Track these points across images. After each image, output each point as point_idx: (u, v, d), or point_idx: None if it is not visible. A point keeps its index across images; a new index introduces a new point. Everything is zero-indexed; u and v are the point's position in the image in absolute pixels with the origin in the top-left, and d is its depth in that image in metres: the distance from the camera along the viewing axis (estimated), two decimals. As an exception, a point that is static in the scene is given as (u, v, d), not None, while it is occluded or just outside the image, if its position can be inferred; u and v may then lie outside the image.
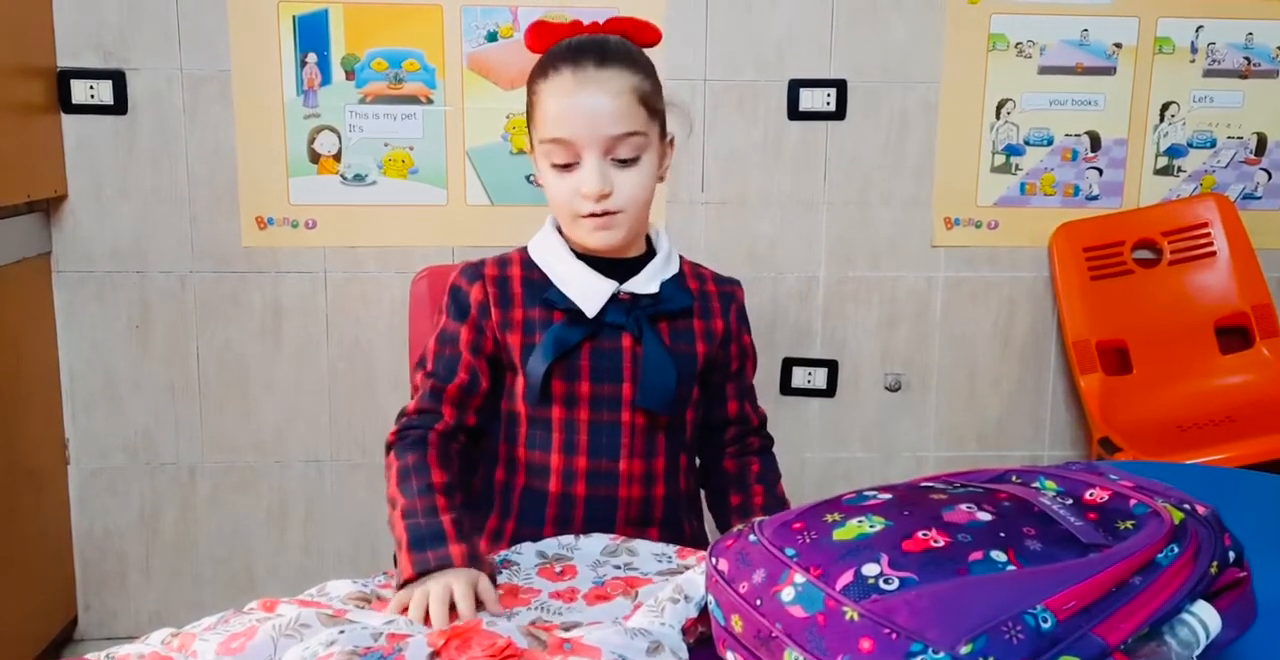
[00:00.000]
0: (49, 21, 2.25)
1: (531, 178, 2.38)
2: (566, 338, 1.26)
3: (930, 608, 0.73)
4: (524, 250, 1.35)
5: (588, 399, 1.28)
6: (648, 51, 1.32)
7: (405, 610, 1.00)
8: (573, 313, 1.27)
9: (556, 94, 1.23)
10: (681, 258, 1.38)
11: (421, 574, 1.05)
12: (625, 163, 1.24)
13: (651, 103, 1.26)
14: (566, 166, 1.24)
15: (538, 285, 1.30)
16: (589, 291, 1.27)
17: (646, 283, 1.30)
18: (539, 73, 1.26)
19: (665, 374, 1.27)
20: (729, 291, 1.40)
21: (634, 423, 1.29)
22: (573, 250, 1.31)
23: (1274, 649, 0.89)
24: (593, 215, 1.24)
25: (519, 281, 1.30)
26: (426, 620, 0.99)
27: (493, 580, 1.06)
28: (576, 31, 1.28)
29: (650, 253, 1.35)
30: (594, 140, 1.22)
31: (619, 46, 1.26)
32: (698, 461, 1.44)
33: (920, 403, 2.57)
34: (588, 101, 1.22)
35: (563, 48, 1.26)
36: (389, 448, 1.26)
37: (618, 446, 1.29)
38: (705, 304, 1.36)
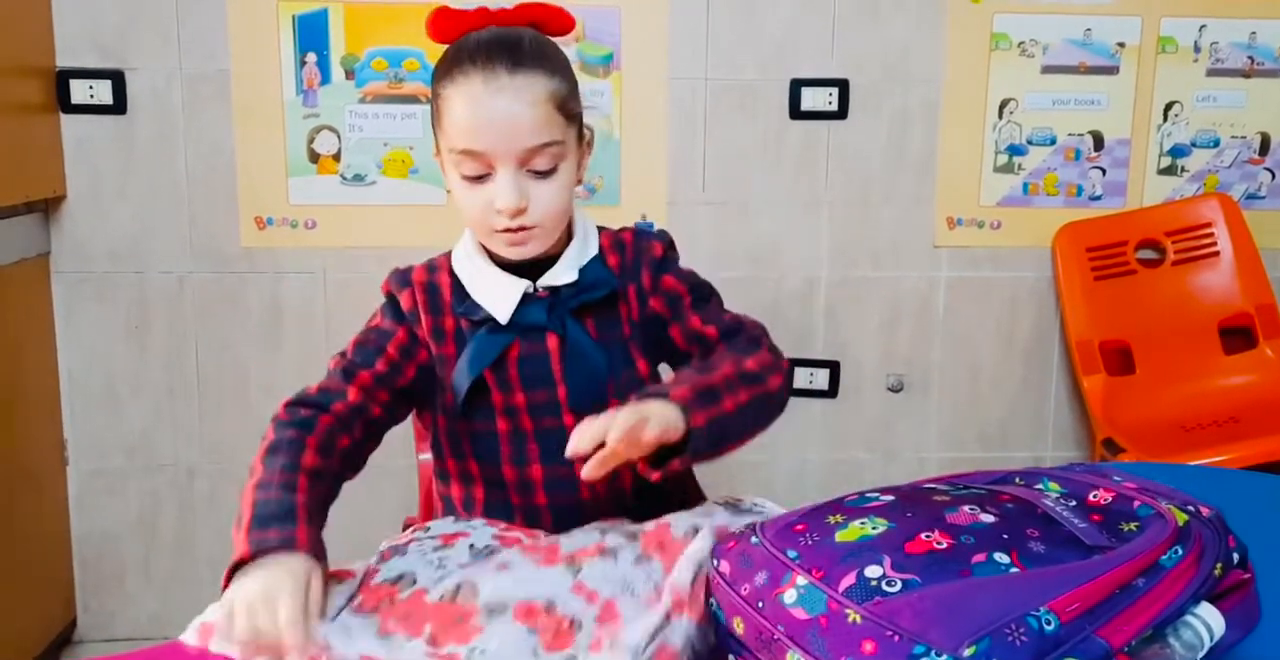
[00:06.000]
0: (48, 21, 2.24)
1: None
2: (487, 350, 1.20)
3: (933, 609, 0.73)
4: (449, 256, 1.27)
5: (525, 408, 1.22)
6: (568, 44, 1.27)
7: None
8: (493, 321, 1.20)
9: (466, 101, 1.12)
10: (601, 230, 1.28)
11: (258, 554, 0.96)
12: (542, 174, 1.15)
13: (569, 107, 1.16)
14: (478, 178, 1.14)
15: (464, 293, 1.23)
16: (498, 296, 1.20)
17: (563, 272, 1.21)
18: (444, 73, 1.15)
19: (593, 368, 1.20)
20: (644, 246, 1.27)
21: (579, 424, 1.19)
22: (489, 254, 1.23)
23: (1278, 651, 0.89)
24: (508, 230, 1.16)
25: (448, 289, 1.24)
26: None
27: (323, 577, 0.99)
28: (484, 22, 1.18)
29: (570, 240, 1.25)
30: (509, 152, 1.12)
31: (533, 46, 1.15)
32: None
33: (922, 404, 2.56)
34: (502, 111, 1.11)
35: (470, 46, 1.15)
36: (274, 419, 1.17)
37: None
38: (625, 278, 1.25)
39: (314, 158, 2.35)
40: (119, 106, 2.29)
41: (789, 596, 0.80)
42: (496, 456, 1.24)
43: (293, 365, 2.41)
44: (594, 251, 1.24)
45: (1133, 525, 0.83)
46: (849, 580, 0.77)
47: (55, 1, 2.24)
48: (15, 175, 2.13)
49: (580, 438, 1.00)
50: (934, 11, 2.41)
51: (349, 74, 2.32)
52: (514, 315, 1.20)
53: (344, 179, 2.36)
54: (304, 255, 2.38)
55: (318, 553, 0.99)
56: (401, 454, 2.42)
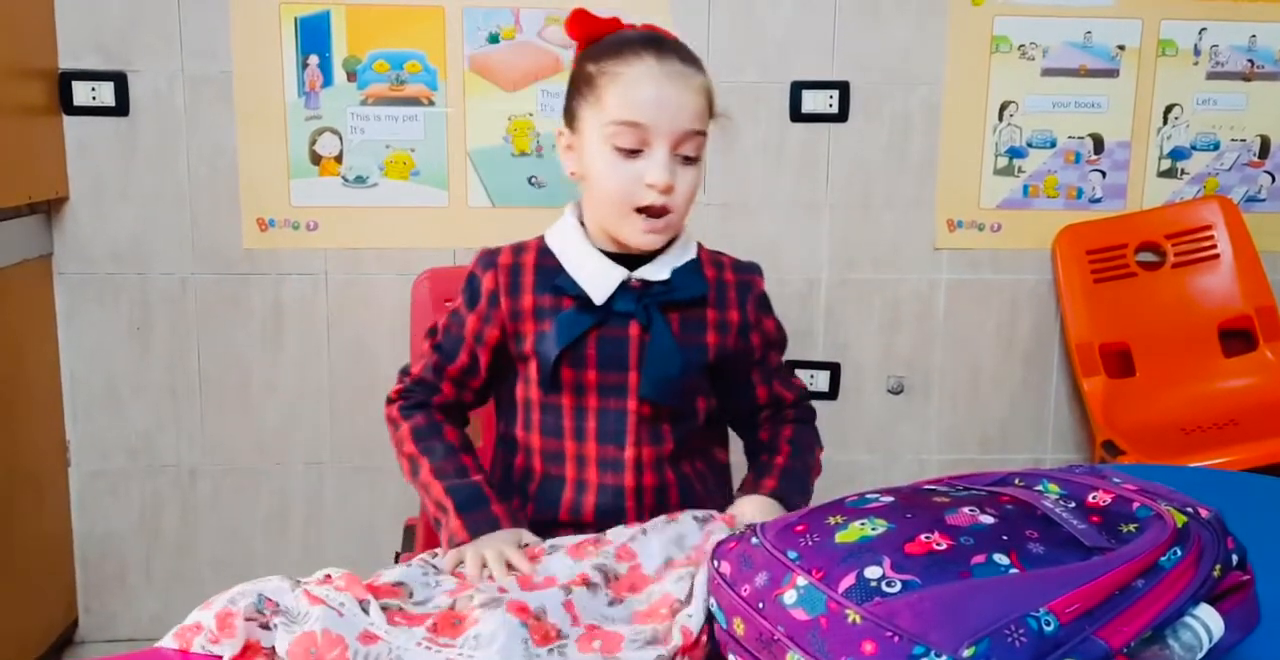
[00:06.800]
0: (50, 23, 2.25)
1: (533, 179, 2.37)
2: (574, 325, 1.27)
3: (933, 610, 0.73)
4: (542, 238, 1.35)
5: (595, 386, 1.29)
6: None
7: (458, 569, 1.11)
8: (582, 299, 1.27)
9: (640, 78, 1.23)
10: (700, 245, 1.37)
11: (475, 536, 1.16)
12: (688, 160, 1.25)
13: (713, 108, 1.29)
14: (631, 153, 1.23)
15: (549, 272, 1.30)
16: (599, 278, 1.28)
17: (658, 269, 1.29)
18: (609, 53, 1.26)
19: (670, 364, 1.27)
20: (747, 280, 1.38)
21: (640, 411, 1.29)
22: (589, 240, 1.31)
23: (1277, 652, 0.89)
24: (649, 209, 1.24)
25: (531, 269, 1.31)
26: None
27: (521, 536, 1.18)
28: (618, 26, 1.32)
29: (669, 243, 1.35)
30: (670, 132, 1.22)
31: (690, 49, 1.30)
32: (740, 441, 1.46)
33: (923, 406, 2.56)
34: (674, 93, 1.23)
35: (638, 35, 1.29)
36: (390, 401, 1.35)
37: (624, 433, 1.29)
38: (721, 294, 1.35)
39: (316, 159, 2.35)
40: (121, 108, 2.29)
41: (789, 597, 0.80)
42: (559, 431, 1.31)
43: (294, 366, 2.41)
44: (691, 256, 1.33)
45: (1132, 526, 0.83)
46: (849, 581, 0.77)
47: (58, 3, 2.25)
48: (17, 176, 2.13)
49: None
50: (934, 14, 2.41)
51: (351, 76, 2.33)
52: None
53: (346, 181, 2.36)
54: (306, 256, 2.38)
55: (517, 522, 1.21)
56: (401, 461, 2.43)
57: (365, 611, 0.94)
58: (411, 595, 1.02)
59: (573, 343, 1.27)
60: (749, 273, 1.40)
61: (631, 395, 1.28)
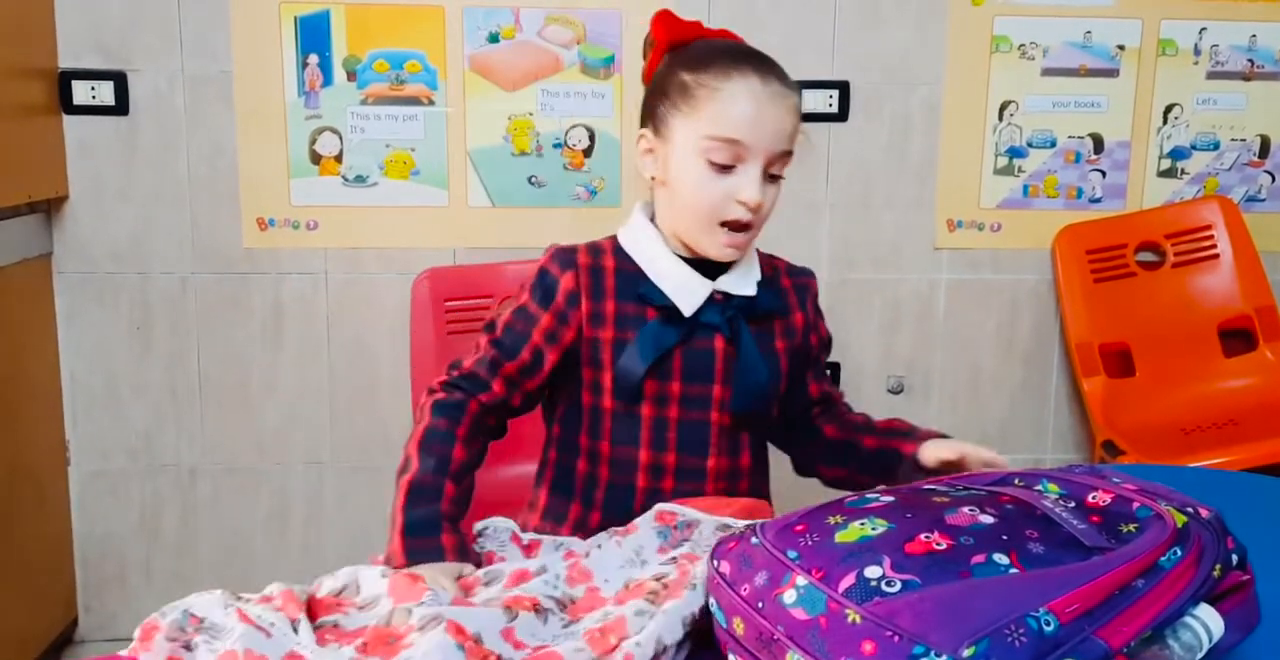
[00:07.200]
0: (50, 22, 2.25)
1: (533, 179, 2.37)
2: (663, 338, 1.26)
3: (933, 610, 0.73)
4: (614, 239, 1.32)
5: (678, 398, 1.28)
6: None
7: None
8: (667, 310, 1.26)
9: (741, 96, 1.24)
10: (757, 251, 1.37)
11: (412, 563, 1.09)
12: (773, 179, 1.26)
13: (799, 128, 1.30)
14: (724, 168, 1.23)
15: (631, 278, 1.28)
16: (687, 291, 1.26)
17: (741, 283, 1.29)
18: (708, 65, 1.26)
19: (759, 377, 1.28)
20: (804, 284, 1.40)
21: (721, 422, 1.29)
22: (669, 247, 1.30)
23: (1277, 652, 0.89)
24: (734, 224, 1.24)
25: (612, 273, 1.28)
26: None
27: (478, 564, 1.11)
28: (701, 31, 1.35)
29: None
30: (765, 151, 1.23)
31: (783, 67, 1.31)
32: (784, 451, 1.45)
33: (922, 406, 2.56)
34: (774, 113, 1.25)
35: (737, 50, 1.31)
36: (431, 391, 1.28)
37: (706, 444, 1.29)
38: (784, 299, 1.36)
39: (316, 159, 2.35)
40: (121, 108, 2.29)
41: (789, 597, 0.80)
42: (635, 439, 1.29)
43: (294, 366, 2.41)
44: (758, 270, 1.33)
45: (1132, 526, 0.83)
46: (849, 581, 0.77)
47: (58, 3, 2.25)
48: (18, 175, 2.13)
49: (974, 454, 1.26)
50: (935, 14, 2.41)
51: (350, 75, 2.33)
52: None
53: (345, 180, 2.36)
54: (306, 256, 2.38)
55: (463, 557, 1.12)
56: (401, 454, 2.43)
57: (295, 631, 0.93)
58: (359, 591, 1.01)
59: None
60: (805, 276, 1.41)
61: (714, 406, 1.28)
